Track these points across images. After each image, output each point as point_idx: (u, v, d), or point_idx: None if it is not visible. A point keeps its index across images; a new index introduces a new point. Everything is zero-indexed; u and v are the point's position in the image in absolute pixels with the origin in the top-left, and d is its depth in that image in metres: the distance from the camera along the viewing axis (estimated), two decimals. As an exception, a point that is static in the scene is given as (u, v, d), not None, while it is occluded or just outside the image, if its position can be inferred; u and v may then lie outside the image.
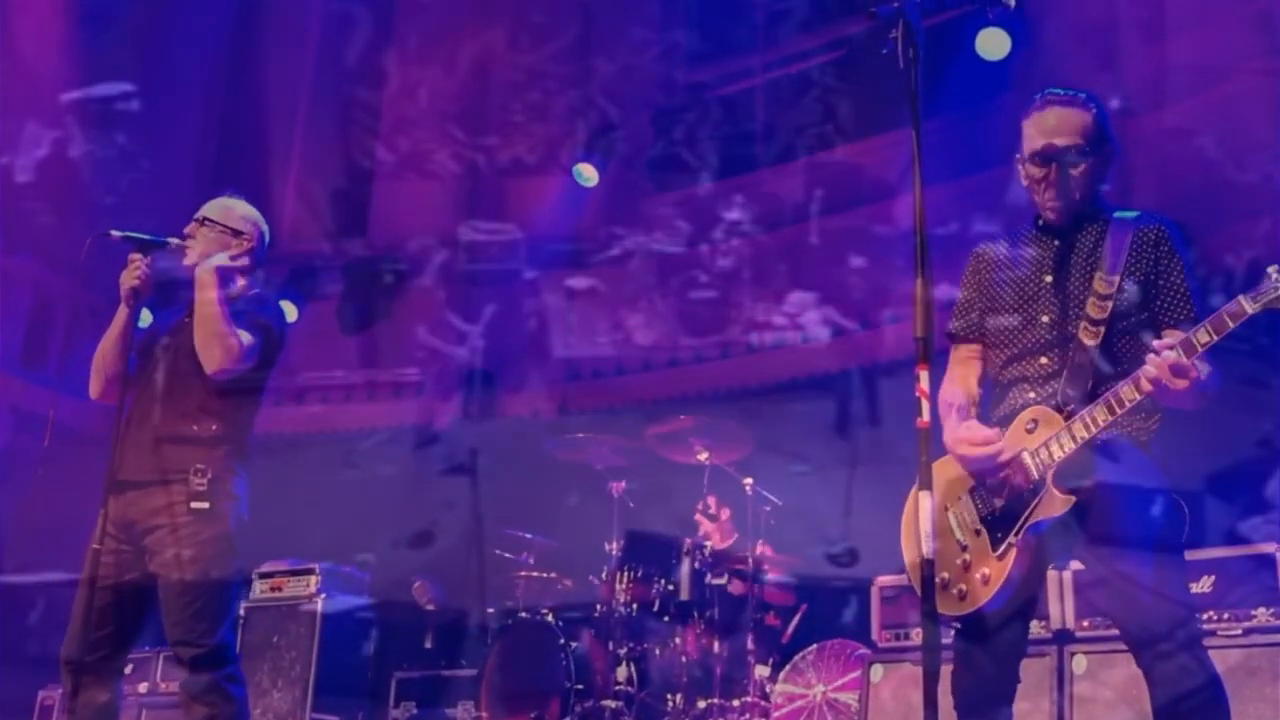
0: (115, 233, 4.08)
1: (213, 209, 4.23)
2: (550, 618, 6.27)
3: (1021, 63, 6.94)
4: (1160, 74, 6.85)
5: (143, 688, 6.62)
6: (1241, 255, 6.00)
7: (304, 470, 7.95)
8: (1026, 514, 2.95)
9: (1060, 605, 4.62)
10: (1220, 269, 5.95)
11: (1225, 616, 4.20)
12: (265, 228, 4.31)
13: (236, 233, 4.18)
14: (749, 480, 6.22)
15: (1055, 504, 2.92)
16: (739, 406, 7.50)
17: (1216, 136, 6.17)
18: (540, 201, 9.28)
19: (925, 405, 2.28)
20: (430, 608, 7.24)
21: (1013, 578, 2.95)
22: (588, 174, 8.74)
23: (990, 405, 3.25)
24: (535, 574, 6.74)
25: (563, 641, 6.07)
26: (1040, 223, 3.25)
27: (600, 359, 8.77)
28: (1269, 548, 4.24)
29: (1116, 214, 3.18)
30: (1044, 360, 3.10)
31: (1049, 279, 3.16)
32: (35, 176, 8.55)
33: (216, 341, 3.90)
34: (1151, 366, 2.79)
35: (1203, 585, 4.29)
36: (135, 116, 9.17)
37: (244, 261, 4.16)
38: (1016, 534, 2.95)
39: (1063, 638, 4.53)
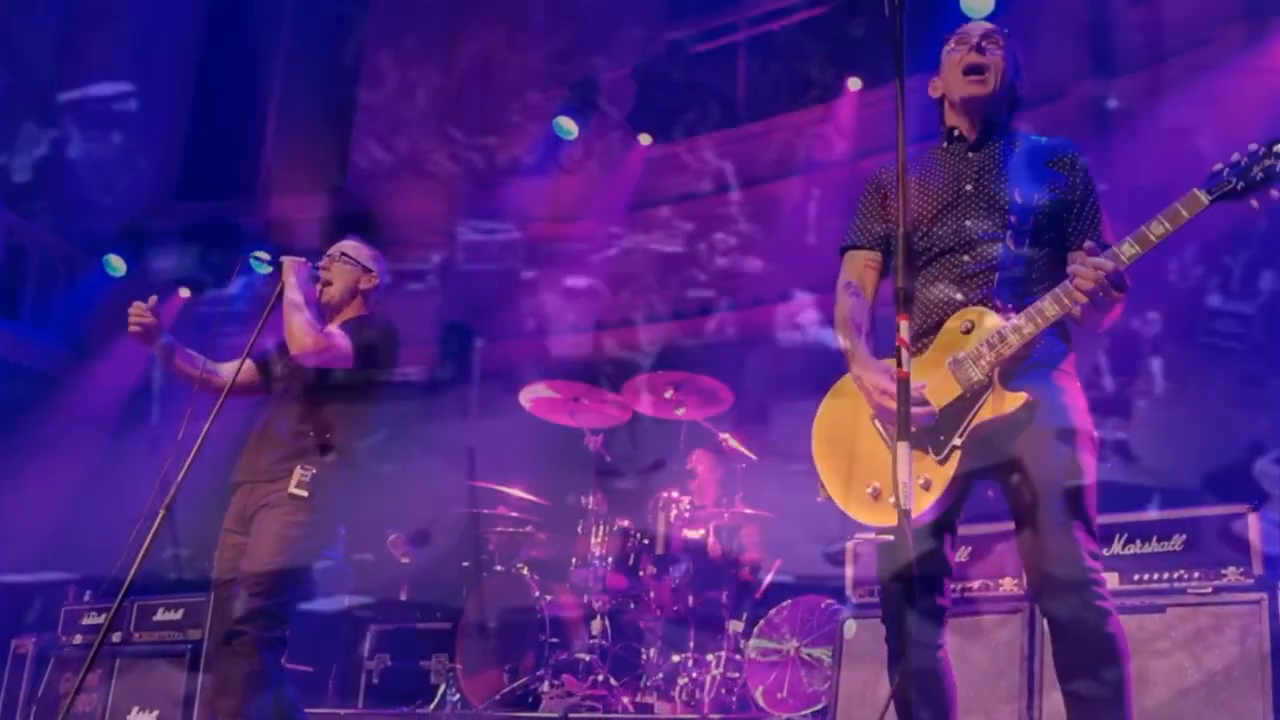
0: (261, 254, 4.55)
1: (347, 246, 4.67)
2: (525, 571, 6.29)
3: (1005, 19, 6.89)
4: (1143, 33, 6.83)
5: (116, 637, 6.61)
6: (1238, 255, 6.00)
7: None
8: (972, 414, 2.89)
9: (1033, 563, 4.64)
10: (1218, 269, 5.94)
11: (1196, 575, 4.23)
12: (386, 269, 4.74)
13: (367, 270, 4.61)
14: (725, 435, 6.23)
15: (1004, 403, 2.87)
16: (718, 361, 7.49)
17: (1213, 135, 6.14)
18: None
19: (905, 355, 2.26)
20: (406, 561, 7.25)
21: (955, 482, 2.90)
22: (568, 126, 8.70)
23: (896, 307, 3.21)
24: (511, 528, 6.74)
25: (537, 595, 6.08)
26: (954, 134, 3.24)
27: (579, 314, 8.74)
28: (1241, 508, 4.27)
29: (1030, 137, 3.23)
30: (966, 259, 3.07)
31: (969, 187, 3.15)
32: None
33: (295, 326, 4.26)
34: (1086, 277, 2.77)
35: (1174, 544, 4.31)
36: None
37: (369, 285, 4.61)
38: (962, 435, 2.89)
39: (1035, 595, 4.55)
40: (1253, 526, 4.22)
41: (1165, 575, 4.28)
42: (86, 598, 7.15)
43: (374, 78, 10.09)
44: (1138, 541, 4.33)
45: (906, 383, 2.26)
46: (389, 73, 9.93)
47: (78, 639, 6.87)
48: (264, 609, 4.10)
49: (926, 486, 2.90)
